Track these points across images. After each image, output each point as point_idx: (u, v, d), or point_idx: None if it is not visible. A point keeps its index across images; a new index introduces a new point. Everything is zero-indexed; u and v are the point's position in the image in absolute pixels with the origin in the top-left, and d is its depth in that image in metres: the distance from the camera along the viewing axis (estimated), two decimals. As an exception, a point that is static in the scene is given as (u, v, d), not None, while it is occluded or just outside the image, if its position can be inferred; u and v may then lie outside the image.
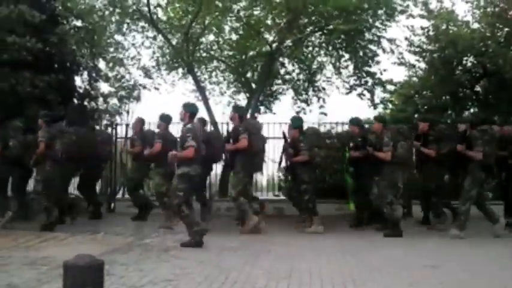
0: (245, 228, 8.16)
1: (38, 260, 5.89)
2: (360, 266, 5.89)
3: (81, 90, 13.24)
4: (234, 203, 8.40)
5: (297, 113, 14.79)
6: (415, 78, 13.79)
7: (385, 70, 14.20)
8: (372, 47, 14.05)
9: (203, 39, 15.06)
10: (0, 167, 8.79)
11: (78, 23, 13.61)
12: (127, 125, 11.56)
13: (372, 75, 14.31)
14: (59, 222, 8.31)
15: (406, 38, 13.13)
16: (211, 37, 15.33)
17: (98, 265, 3.15)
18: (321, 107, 15.01)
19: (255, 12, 14.05)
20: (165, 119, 9.02)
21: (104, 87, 14.36)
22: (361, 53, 14.12)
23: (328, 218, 9.24)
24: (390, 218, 8.11)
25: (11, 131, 8.72)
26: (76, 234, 7.77)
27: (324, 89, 15.37)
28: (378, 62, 14.16)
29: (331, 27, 13.29)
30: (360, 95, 14.52)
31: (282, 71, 15.59)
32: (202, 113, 10.69)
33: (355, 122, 9.16)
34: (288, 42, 14.03)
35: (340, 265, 5.95)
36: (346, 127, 10.58)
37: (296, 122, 8.87)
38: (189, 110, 7.15)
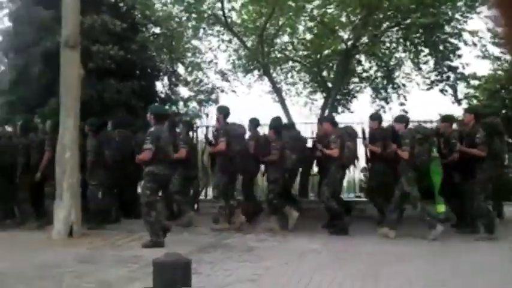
0: (217, 226, 8.44)
1: (128, 258, 6.12)
2: (454, 271, 5.62)
3: (162, 95, 13.69)
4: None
5: (377, 111, 14.49)
6: (500, 72, 13.13)
7: (467, 64, 13.64)
8: (452, 40, 13.51)
9: (278, 40, 15.14)
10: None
11: (157, 30, 14.12)
12: (207, 127, 11.76)
13: (453, 69, 13.77)
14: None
15: (489, 30, 12.54)
16: (286, 38, 15.38)
17: (187, 263, 3.22)
18: (402, 104, 14.63)
19: (329, 11, 13.90)
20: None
21: (184, 91, 14.80)
22: (441, 47, 13.60)
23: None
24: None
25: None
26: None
27: (403, 85, 14.99)
28: (459, 56, 13.59)
29: (408, 21, 12.92)
30: (442, 90, 14.01)
31: (359, 69, 15.36)
32: (279, 114, 10.71)
33: (447, 119, 8.68)
34: (364, 39, 13.80)
35: (430, 269, 5.72)
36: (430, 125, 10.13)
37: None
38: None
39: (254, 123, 9.16)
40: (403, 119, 8.19)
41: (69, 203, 7.73)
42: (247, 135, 8.98)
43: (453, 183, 8.17)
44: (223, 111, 8.76)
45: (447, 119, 8.68)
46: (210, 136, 9.42)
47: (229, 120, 8.68)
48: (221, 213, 8.56)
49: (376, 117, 8.93)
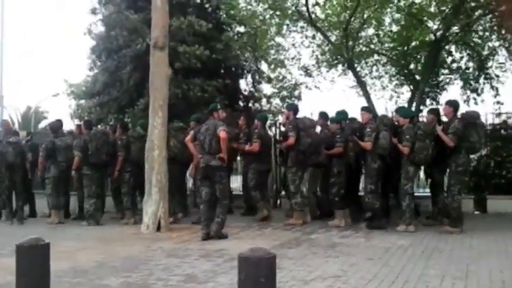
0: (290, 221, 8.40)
1: (213, 252, 6.27)
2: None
3: (245, 93, 13.88)
4: None
5: (465, 101, 13.84)
6: None
7: None
8: (551, 25, 12.57)
9: (362, 34, 14.84)
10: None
11: (241, 29, 14.33)
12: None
13: (552, 57, 12.83)
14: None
15: None
16: (371, 31, 15.03)
17: (271, 258, 3.21)
18: (496, 95, 13.83)
19: (417, 1, 13.40)
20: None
21: (267, 88, 14.90)
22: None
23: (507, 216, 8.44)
24: None
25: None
26: (246, 229, 8.10)
27: (497, 76, 14.16)
28: (559, 42, 12.64)
29: (503, 8, 12.17)
30: (540, 80, 13.10)
31: (449, 60, 14.70)
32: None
33: (433, 111, 8.48)
34: (455, 29, 13.19)
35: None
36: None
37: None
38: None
39: (324, 116, 9.09)
40: (407, 114, 8.14)
41: (158, 198, 8.03)
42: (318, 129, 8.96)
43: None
44: (293, 108, 8.82)
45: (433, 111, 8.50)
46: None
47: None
48: (296, 209, 8.50)
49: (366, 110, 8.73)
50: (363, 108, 8.68)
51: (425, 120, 8.59)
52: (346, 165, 8.45)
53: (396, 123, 8.25)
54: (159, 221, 7.99)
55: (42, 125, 29.94)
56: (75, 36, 48.21)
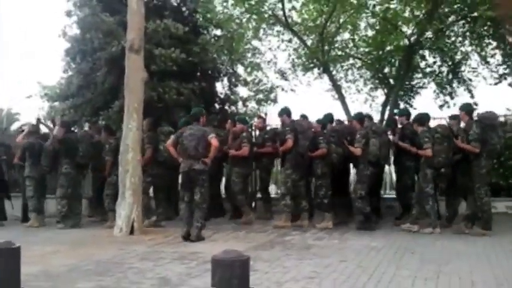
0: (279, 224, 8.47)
1: (187, 255, 6.25)
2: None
3: (222, 96, 13.88)
4: None
5: (441, 106, 14.06)
6: None
7: (538, 56, 12.94)
8: (522, 32, 12.86)
9: (338, 38, 14.97)
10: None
11: (218, 32, 14.35)
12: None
13: (524, 62, 13.12)
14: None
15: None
16: (347, 35, 15.17)
17: (245, 260, 3.21)
18: (471, 97, 14.06)
19: (392, 6, 13.59)
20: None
21: (243, 91, 14.93)
22: (510, 40, 12.98)
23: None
24: None
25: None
26: (220, 231, 8.09)
27: (469, 80, 14.43)
28: (529, 48, 12.93)
29: (475, 14, 12.43)
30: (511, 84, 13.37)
31: (422, 64, 14.93)
32: (338, 111, 10.61)
33: (454, 117, 8.50)
34: (428, 34, 13.40)
35: (493, 267, 5.50)
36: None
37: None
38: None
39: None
40: (421, 120, 8.17)
41: (131, 201, 7.98)
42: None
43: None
44: (285, 111, 8.76)
45: (454, 116, 8.53)
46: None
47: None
48: (285, 211, 8.52)
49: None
50: (353, 117, 8.82)
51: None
52: (330, 166, 8.51)
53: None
54: (132, 224, 7.94)
55: (14, 126, 29.51)
56: (50, 38, 47.53)
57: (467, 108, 7.99)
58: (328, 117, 8.99)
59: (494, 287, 4.69)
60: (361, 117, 8.66)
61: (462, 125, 8.06)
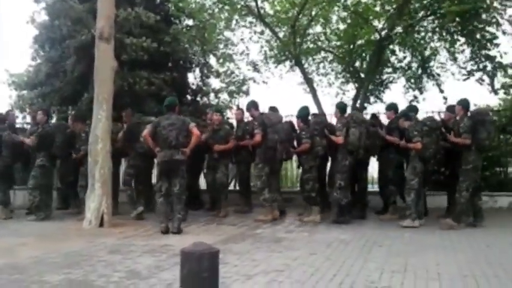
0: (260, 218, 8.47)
1: (157, 248, 6.22)
2: (481, 261, 5.54)
3: (194, 87, 13.77)
4: None
5: (410, 101, 14.23)
6: (540, 62, 12.63)
7: (505, 53, 13.15)
8: (490, 29, 13.08)
9: (310, 31, 14.98)
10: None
11: (190, 22, 14.20)
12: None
13: (491, 59, 13.30)
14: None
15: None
16: (319, 28, 15.20)
17: (214, 253, 3.22)
18: (440, 91, 14.26)
19: (363, 0, 13.67)
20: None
21: (215, 82, 14.83)
22: (478, 36, 13.20)
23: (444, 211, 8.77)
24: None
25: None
26: (191, 224, 8.07)
27: (438, 75, 14.64)
28: (497, 45, 13.12)
29: (444, 10, 12.59)
30: (479, 80, 13.61)
31: (393, 59, 15.07)
32: (310, 105, 10.62)
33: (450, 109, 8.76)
34: (399, 29, 13.52)
35: (459, 260, 5.63)
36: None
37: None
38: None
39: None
40: (407, 115, 8.33)
41: (101, 193, 7.87)
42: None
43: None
44: (252, 105, 8.74)
45: (451, 108, 8.68)
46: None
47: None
48: (265, 205, 8.47)
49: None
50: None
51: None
52: (315, 159, 8.55)
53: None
54: (102, 216, 7.84)
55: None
56: (18, 24, 46.35)
57: (465, 103, 8.08)
58: (306, 110, 8.93)
59: (460, 279, 4.81)
60: (342, 107, 8.77)
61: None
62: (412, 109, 8.98)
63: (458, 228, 7.63)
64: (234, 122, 10.14)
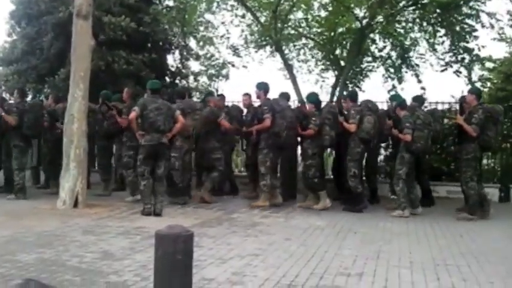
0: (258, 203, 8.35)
1: (131, 229, 6.18)
2: (454, 251, 5.63)
3: (173, 69, 13.64)
4: None
5: (389, 91, 14.33)
6: (516, 55, 12.81)
7: (483, 46, 13.33)
8: (469, 21, 13.21)
9: (291, 17, 14.92)
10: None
11: (170, 3, 14.05)
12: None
13: (469, 51, 13.48)
14: None
15: (508, 12, 12.24)
16: (300, 14, 15.15)
17: (188, 236, 3.20)
18: (419, 81, 14.37)
19: (344, -13, 13.65)
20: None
21: (195, 65, 14.72)
22: (457, 28, 13.32)
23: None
24: None
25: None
26: (168, 207, 8.02)
27: (417, 65, 14.75)
28: (476, 38, 13.28)
29: (425, 1, 12.67)
30: (457, 72, 13.77)
31: (373, 48, 15.13)
32: (289, 91, 10.59)
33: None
34: (379, 18, 13.55)
35: (432, 249, 5.71)
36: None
37: None
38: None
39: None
40: (402, 104, 8.18)
41: (76, 173, 7.77)
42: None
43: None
44: (263, 87, 8.48)
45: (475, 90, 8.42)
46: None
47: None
48: (264, 191, 8.34)
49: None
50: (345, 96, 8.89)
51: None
52: (321, 147, 8.50)
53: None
54: (76, 196, 7.74)
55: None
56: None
57: (478, 92, 8.05)
58: (317, 96, 8.80)
59: (432, 266, 4.88)
60: (354, 94, 8.78)
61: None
62: (417, 99, 8.92)
63: (476, 220, 7.57)
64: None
